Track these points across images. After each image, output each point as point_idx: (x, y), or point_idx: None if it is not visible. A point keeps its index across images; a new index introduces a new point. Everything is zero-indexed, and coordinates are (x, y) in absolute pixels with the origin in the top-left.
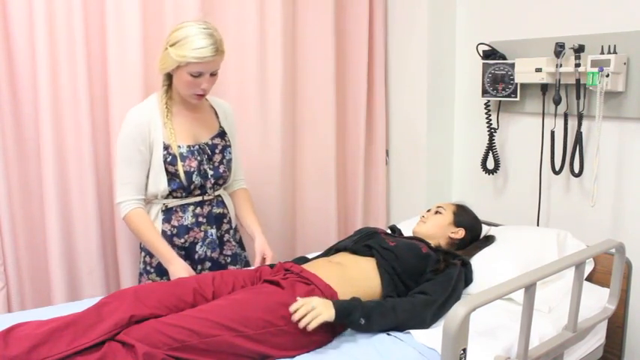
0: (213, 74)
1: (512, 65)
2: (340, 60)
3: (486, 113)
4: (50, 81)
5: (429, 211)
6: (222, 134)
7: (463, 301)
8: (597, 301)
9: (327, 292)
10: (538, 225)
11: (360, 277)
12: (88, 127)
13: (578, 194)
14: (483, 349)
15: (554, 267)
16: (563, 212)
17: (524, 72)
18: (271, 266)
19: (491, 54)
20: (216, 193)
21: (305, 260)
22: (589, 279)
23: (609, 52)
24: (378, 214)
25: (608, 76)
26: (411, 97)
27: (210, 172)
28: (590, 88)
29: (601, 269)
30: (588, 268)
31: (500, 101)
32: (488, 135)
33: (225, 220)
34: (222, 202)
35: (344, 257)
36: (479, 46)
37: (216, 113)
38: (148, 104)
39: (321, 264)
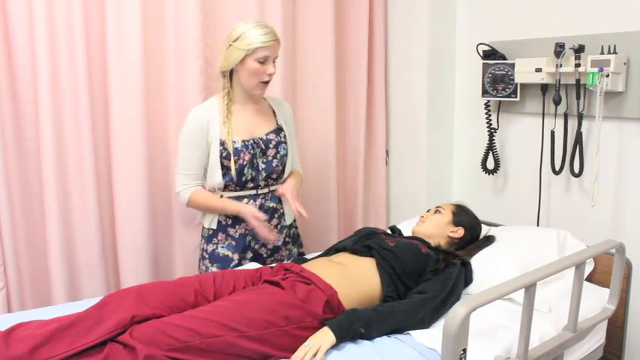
0: (274, 61)
1: (512, 65)
2: (340, 59)
3: (486, 113)
4: (50, 81)
5: (428, 211)
6: (278, 130)
7: (463, 301)
8: (597, 301)
9: (327, 292)
10: (538, 225)
11: (360, 277)
12: (88, 127)
13: (578, 194)
14: (483, 349)
15: (555, 267)
16: (563, 212)
17: (524, 72)
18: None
19: (491, 54)
20: (271, 188)
21: (304, 261)
22: (589, 279)
23: (609, 52)
24: (378, 214)
25: (608, 76)
26: (411, 97)
27: (263, 166)
28: (590, 88)
29: (601, 269)
30: (588, 269)
31: (500, 101)
32: (488, 135)
33: (276, 215)
34: (278, 197)
35: (344, 257)
36: (479, 46)
37: (274, 112)
38: (208, 104)
39: (321, 263)
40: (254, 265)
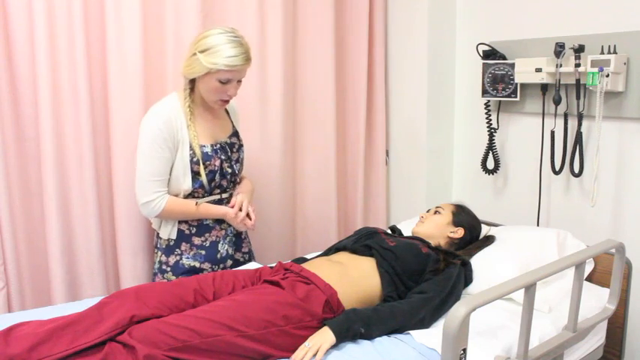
0: (239, 81)
1: (512, 65)
2: (340, 60)
3: (486, 113)
4: (50, 81)
5: (428, 211)
6: (236, 133)
7: (463, 301)
8: (597, 301)
9: (326, 292)
10: (538, 225)
11: (360, 277)
12: (88, 127)
13: (578, 194)
14: (483, 349)
15: (555, 267)
16: (563, 212)
17: (524, 72)
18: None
19: (491, 54)
20: (230, 191)
21: (304, 261)
22: (589, 279)
23: (609, 52)
24: (378, 214)
25: (608, 76)
26: (411, 97)
27: (229, 171)
28: (590, 88)
29: (601, 269)
30: (588, 268)
31: (500, 101)
32: (488, 135)
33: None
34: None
35: (344, 257)
36: (479, 46)
37: (227, 113)
38: (171, 103)
39: (321, 263)
40: (253, 265)
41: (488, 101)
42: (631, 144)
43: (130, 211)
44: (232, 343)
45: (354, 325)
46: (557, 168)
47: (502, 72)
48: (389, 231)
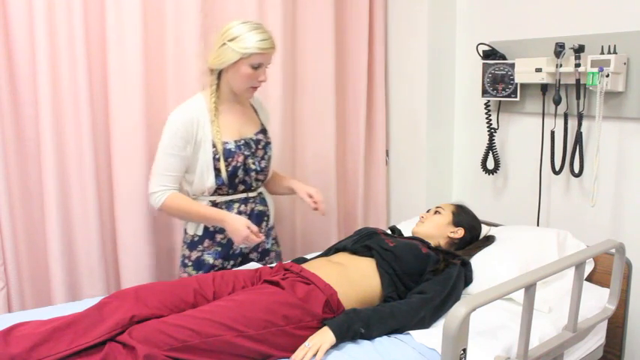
0: (267, 67)
1: (512, 65)
2: (340, 60)
3: (486, 113)
4: (50, 81)
5: (428, 211)
6: (264, 131)
7: (463, 301)
8: (597, 301)
9: (326, 292)
10: (538, 225)
11: (359, 278)
12: (88, 127)
13: (578, 194)
14: (483, 349)
15: (555, 267)
16: (563, 212)
17: (524, 72)
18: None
19: (491, 54)
20: (259, 190)
21: (304, 261)
22: (589, 279)
23: (609, 52)
24: (378, 214)
25: (608, 76)
26: (411, 98)
27: (253, 167)
28: (590, 88)
29: (601, 269)
30: (588, 268)
31: (500, 101)
32: (488, 135)
33: (265, 219)
34: (264, 199)
35: (344, 257)
36: (479, 46)
37: (255, 111)
38: (194, 104)
39: (321, 263)
40: (253, 265)
41: (488, 101)
42: (631, 144)
43: (130, 211)
44: (232, 343)
45: (354, 325)
46: (557, 168)
47: (502, 72)
48: (389, 231)
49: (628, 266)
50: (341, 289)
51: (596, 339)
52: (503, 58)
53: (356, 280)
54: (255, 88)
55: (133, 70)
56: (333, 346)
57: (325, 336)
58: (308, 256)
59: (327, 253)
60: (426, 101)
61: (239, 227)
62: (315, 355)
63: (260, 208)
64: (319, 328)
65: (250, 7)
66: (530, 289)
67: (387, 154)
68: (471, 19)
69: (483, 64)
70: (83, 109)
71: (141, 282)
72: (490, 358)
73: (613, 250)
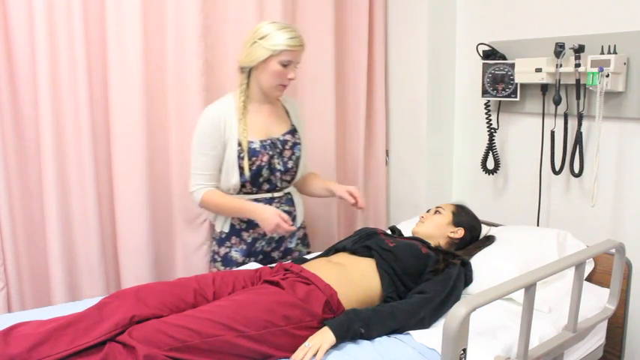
0: (296, 67)
1: (512, 65)
2: (340, 60)
3: (486, 113)
4: (50, 81)
5: (428, 211)
6: (293, 131)
7: (463, 301)
8: (597, 301)
9: (326, 292)
10: (538, 225)
11: (359, 278)
12: (88, 127)
13: (578, 194)
14: (483, 349)
15: (555, 267)
16: (563, 212)
17: (524, 72)
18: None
19: (491, 54)
20: (286, 190)
21: (304, 261)
22: (589, 279)
23: (609, 52)
24: (378, 214)
25: (608, 76)
26: (411, 97)
27: (279, 167)
28: (590, 88)
29: (601, 269)
30: (588, 268)
31: (500, 101)
32: (488, 135)
33: (291, 218)
34: (292, 200)
35: (343, 257)
36: (479, 46)
37: (287, 112)
38: (223, 103)
39: (321, 264)
40: (254, 265)
41: (488, 101)
42: (631, 144)
43: (130, 211)
44: (232, 343)
45: (354, 325)
46: (557, 168)
47: (502, 72)
48: (389, 231)
49: (628, 266)
50: (341, 290)
51: (596, 339)
52: (503, 58)
53: (356, 280)
54: (284, 87)
55: (133, 70)
56: (333, 346)
57: (325, 336)
58: (308, 256)
59: (327, 253)
60: (426, 101)
61: (269, 216)
62: (315, 355)
63: (286, 208)
64: (319, 328)
65: (250, 7)
66: (530, 289)
67: (387, 154)
68: (471, 19)
69: (483, 64)
70: (83, 109)
71: (141, 282)
72: (490, 358)
73: (613, 250)
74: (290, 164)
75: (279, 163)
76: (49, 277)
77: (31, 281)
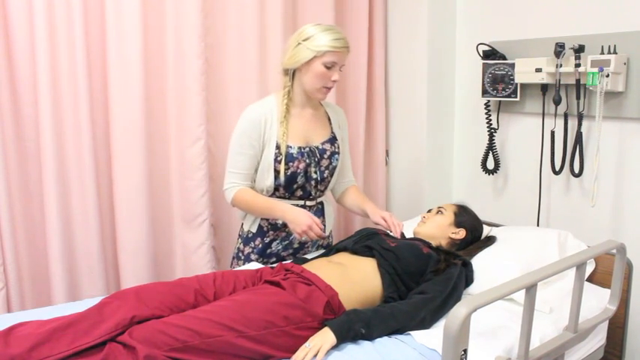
0: (340, 69)
1: (512, 65)
2: None
3: (486, 113)
4: (50, 82)
5: (429, 211)
6: (332, 140)
7: (464, 302)
8: (598, 301)
9: (327, 293)
10: (538, 225)
11: (360, 278)
12: (87, 127)
13: (578, 194)
14: (484, 349)
15: (555, 267)
16: (564, 212)
17: (524, 72)
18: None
19: (491, 54)
20: (319, 199)
21: (304, 261)
22: (590, 279)
23: (609, 52)
24: None
25: (608, 76)
26: (411, 97)
27: (315, 176)
28: (590, 88)
29: (602, 270)
30: (589, 269)
31: (500, 101)
32: (488, 135)
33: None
34: (322, 210)
35: (344, 257)
36: (479, 46)
37: (329, 119)
38: (266, 103)
39: (322, 264)
40: (254, 266)
41: (489, 101)
42: (631, 144)
43: (130, 211)
44: (233, 344)
45: (354, 326)
46: (557, 168)
47: (502, 72)
48: (389, 231)
49: (629, 267)
50: (342, 290)
51: (597, 339)
52: (503, 58)
53: (357, 280)
54: (328, 89)
55: (133, 70)
56: (334, 347)
57: (326, 336)
58: (309, 256)
59: (328, 253)
60: (426, 101)
61: (300, 217)
62: (315, 355)
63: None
64: (320, 328)
65: (250, 7)
66: (531, 289)
67: (387, 154)
68: (471, 19)
69: (483, 64)
70: (83, 109)
71: (141, 282)
72: (491, 359)
73: (614, 251)
74: (326, 174)
75: (315, 172)
76: (49, 277)
77: (31, 281)
